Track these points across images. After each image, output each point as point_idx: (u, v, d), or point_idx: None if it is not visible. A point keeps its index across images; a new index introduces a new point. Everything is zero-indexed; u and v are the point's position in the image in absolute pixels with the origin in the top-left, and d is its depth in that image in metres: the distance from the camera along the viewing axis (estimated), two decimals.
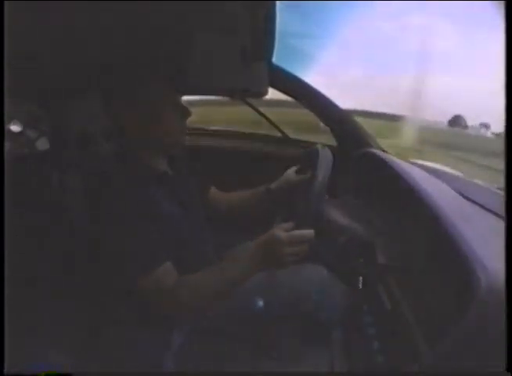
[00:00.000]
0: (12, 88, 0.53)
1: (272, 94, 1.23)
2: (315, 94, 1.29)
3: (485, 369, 0.44)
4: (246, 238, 0.80)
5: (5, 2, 0.48)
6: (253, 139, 1.67)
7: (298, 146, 1.55)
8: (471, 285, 0.44)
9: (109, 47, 0.75)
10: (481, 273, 0.44)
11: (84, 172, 0.99)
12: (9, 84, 0.52)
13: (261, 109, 1.61)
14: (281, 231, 0.66)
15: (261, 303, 0.85)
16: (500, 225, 0.52)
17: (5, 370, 0.50)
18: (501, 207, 0.54)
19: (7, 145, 2.00)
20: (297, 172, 0.97)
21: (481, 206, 0.72)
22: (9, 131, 2.03)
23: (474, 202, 0.75)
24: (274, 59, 1.09)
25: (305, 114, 1.40)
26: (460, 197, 0.78)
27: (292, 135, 1.64)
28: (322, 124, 1.39)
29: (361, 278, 0.70)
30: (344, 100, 1.38)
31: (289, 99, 1.33)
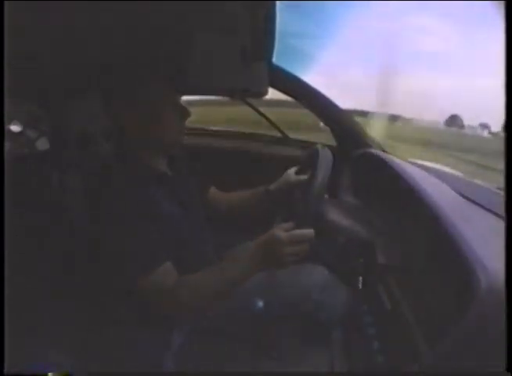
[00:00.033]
0: (12, 88, 0.53)
1: (272, 94, 1.23)
2: (315, 94, 1.29)
3: (485, 369, 0.44)
4: (246, 238, 0.80)
5: (5, 2, 0.48)
6: (253, 139, 1.67)
7: (298, 146, 1.55)
8: (471, 285, 0.44)
9: (109, 47, 0.75)
10: (481, 273, 0.44)
11: (84, 172, 0.99)
12: (9, 84, 0.52)
13: (261, 109, 1.61)
14: (281, 231, 0.66)
15: (261, 303, 0.85)
16: (500, 225, 0.52)
17: (5, 370, 0.50)
18: (501, 207, 0.54)
19: (7, 145, 2.00)
20: (296, 173, 0.97)
21: (481, 206, 0.72)
22: (9, 131, 2.03)
23: (474, 202, 0.75)
24: (274, 59, 1.09)
25: (305, 114, 1.40)
26: (460, 197, 0.78)
27: (292, 135, 1.64)
28: (322, 124, 1.39)
29: (361, 278, 0.70)
30: (344, 100, 1.38)
31: (289, 99, 1.33)
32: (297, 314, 0.92)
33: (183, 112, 0.79)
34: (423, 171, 0.99)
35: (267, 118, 1.62)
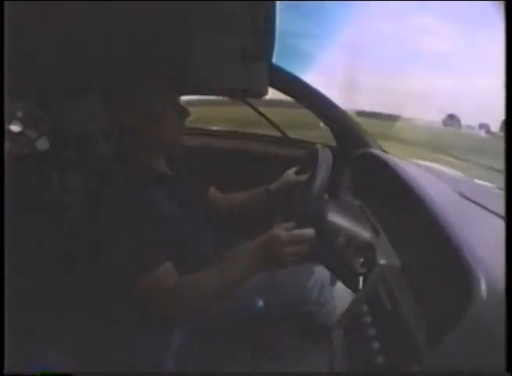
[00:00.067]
0: (12, 88, 0.53)
1: (272, 94, 1.23)
2: (315, 94, 1.29)
3: (485, 369, 0.44)
4: (246, 238, 0.80)
5: (5, 2, 0.48)
6: (253, 139, 1.67)
7: (298, 146, 1.55)
8: (471, 285, 0.44)
9: (109, 47, 0.75)
10: (481, 273, 0.44)
11: (84, 172, 0.99)
12: (9, 84, 0.52)
13: (261, 109, 1.61)
14: (281, 230, 0.66)
15: (261, 303, 0.85)
16: (500, 226, 0.52)
17: (5, 370, 0.50)
18: (501, 207, 0.54)
19: (7, 145, 2.01)
20: (296, 173, 0.97)
21: (481, 206, 0.72)
22: (9, 131, 2.03)
23: (474, 202, 0.75)
24: (274, 59, 1.09)
25: (305, 114, 1.40)
26: (460, 197, 0.78)
27: (292, 135, 1.64)
28: (322, 124, 1.39)
29: (361, 278, 0.70)
30: (344, 100, 1.38)
31: (289, 99, 1.33)
32: (297, 314, 0.92)
33: (183, 112, 0.80)
34: (423, 171, 0.99)
35: (267, 118, 1.62)
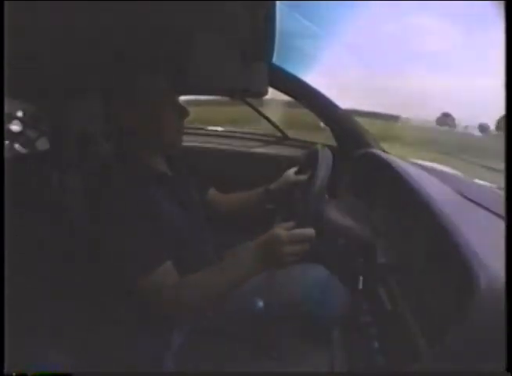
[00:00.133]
0: (12, 88, 0.53)
1: (272, 94, 1.23)
2: (315, 94, 1.29)
3: (485, 369, 0.44)
4: (246, 238, 0.80)
5: (5, 2, 0.48)
6: (253, 139, 1.67)
7: (298, 146, 1.55)
8: (471, 285, 0.44)
9: (109, 47, 0.75)
10: (481, 273, 0.44)
11: (84, 172, 0.99)
12: (9, 84, 0.52)
13: (261, 109, 1.61)
14: (281, 230, 0.66)
15: (261, 303, 0.85)
16: (500, 225, 0.52)
17: (5, 370, 0.50)
18: (501, 207, 0.54)
19: (7, 144, 2.01)
20: (296, 173, 0.97)
21: (481, 206, 0.72)
22: (9, 131, 2.04)
23: (474, 202, 0.75)
24: (274, 59, 1.09)
25: (305, 114, 1.40)
26: (460, 197, 0.78)
27: (292, 135, 1.64)
28: (322, 124, 1.39)
29: (361, 278, 0.70)
30: (344, 100, 1.38)
31: (289, 99, 1.33)
32: (297, 314, 0.92)
33: (182, 111, 0.80)
34: (423, 171, 0.99)
35: (267, 118, 1.62)
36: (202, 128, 1.80)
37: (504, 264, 0.45)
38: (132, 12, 0.64)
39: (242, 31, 0.88)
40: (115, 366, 0.72)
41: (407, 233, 0.76)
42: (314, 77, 1.35)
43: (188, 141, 1.49)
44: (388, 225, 0.81)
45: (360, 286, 0.69)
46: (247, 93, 1.21)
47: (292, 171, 0.98)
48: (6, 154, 1.53)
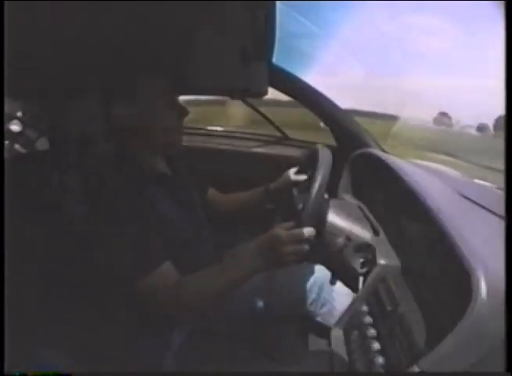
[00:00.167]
0: (12, 88, 0.53)
1: (272, 94, 1.23)
2: (315, 94, 1.29)
3: (485, 369, 0.44)
4: (246, 238, 0.80)
5: (5, 2, 0.48)
6: (253, 139, 1.67)
7: (298, 146, 1.55)
8: (471, 285, 0.44)
9: (109, 47, 0.75)
10: (481, 273, 0.44)
11: (84, 172, 0.99)
12: (9, 84, 0.52)
13: (261, 109, 1.61)
14: (281, 230, 0.66)
15: (261, 303, 0.85)
16: (500, 225, 0.52)
17: (5, 370, 0.50)
18: (501, 207, 0.54)
19: (7, 145, 2.01)
20: (296, 173, 0.97)
21: (481, 206, 0.72)
22: (9, 131, 2.03)
23: (473, 202, 0.75)
24: (274, 59, 1.09)
25: (305, 114, 1.40)
26: (460, 197, 0.78)
27: (292, 135, 1.64)
28: (322, 124, 1.39)
29: (361, 278, 0.70)
30: (344, 100, 1.38)
31: (289, 99, 1.33)
32: (296, 314, 0.92)
33: (182, 111, 0.80)
34: (423, 171, 0.99)
35: (267, 118, 1.62)
36: (202, 128, 1.80)
37: (504, 264, 0.45)
38: (132, 12, 0.64)
39: (242, 31, 0.88)
40: (115, 366, 0.72)
41: (407, 233, 0.76)
42: (313, 77, 1.35)
43: (188, 141, 1.49)
44: (388, 225, 0.81)
45: (360, 286, 0.69)
46: (247, 93, 1.22)
47: (292, 171, 0.98)
48: (6, 154, 1.53)
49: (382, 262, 0.68)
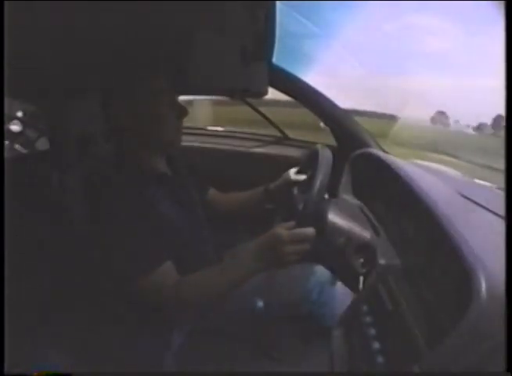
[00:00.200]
0: (12, 88, 0.53)
1: (272, 94, 1.22)
2: (315, 94, 1.29)
3: (485, 369, 0.44)
4: (246, 238, 0.80)
5: (5, 2, 0.48)
6: (253, 139, 1.67)
7: (298, 146, 1.55)
8: (471, 285, 0.44)
9: (109, 47, 0.75)
10: (481, 273, 0.44)
11: (84, 172, 0.99)
12: (9, 84, 0.52)
13: (261, 109, 1.61)
14: (282, 229, 0.66)
15: (261, 303, 0.85)
16: (500, 225, 0.52)
17: (5, 370, 0.50)
18: (501, 207, 0.54)
19: (7, 145, 2.01)
20: (296, 173, 0.97)
21: (481, 206, 0.72)
22: (9, 131, 2.04)
23: (473, 202, 0.75)
24: (274, 59, 1.09)
25: (305, 114, 1.40)
26: (460, 196, 0.78)
27: (292, 135, 1.64)
28: (322, 124, 1.39)
29: (361, 278, 0.70)
30: (344, 100, 1.39)
31: (289, 99, 1.33)
32: (297, 314, 0.92)
33: (181, 111, 0.80)
34: (423, 171, 0.99)
35: (267, 118, 1.62)
36: (202, 128, 1.80)
37: (504, 264, 0.45)
38: (132, 12, 0.64)
39: (242, 31, 0.88)
40: (115, 366, 0.72)
41: (407, 233, 0.76)
42: (313, 77, 1.35)
43: (188, 141, 1.49)
44: (388, 225, 0.81)
45: (360, 286, 0.69)
46: (247, 93, 1.21)
47: (292, 171, 0.98)
48: (6, 154, 1.53)
49: (382, 262, 0.68)
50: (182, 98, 0.94)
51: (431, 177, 0.94)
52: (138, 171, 0.77)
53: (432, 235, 0.62)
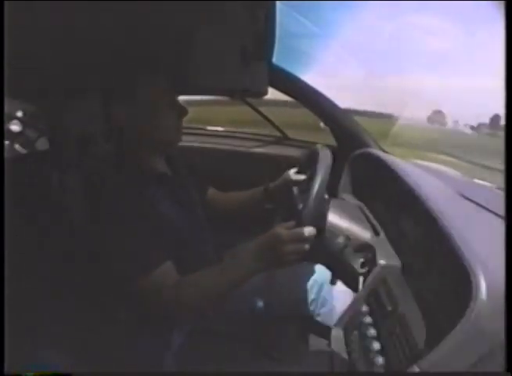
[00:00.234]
0: (12, 88, 0.53)
1: (272, 94, 1.23)
2: (315, 94, 1.29)
3: (485, 369, 0.44)
4: (246, 238, 0.80)
5: (5, 2, 0.48)
6: (253, 139, 1.67)
7: (298, 146, 1.55)
8: (471, 285, 0.44)
9: (109, 47, 0.75)
10: (481, 273, 0.44)
11: (84, 172, 0.99)
12: (9, 84, 0.52)
13: (261, 109, 1.61)
14: (282, 229, 0.66)
15: (260, 303, 0.85)
16: (500, 226, 0.52)
17: (5, 370, 0.50)
18: (501, 207, 0.54)
19: (7, 145, 2.01)
20: (296, 173, 0.97)
21: (481, 206, 0.72)
22: (9, 131, 2.04)
23: (474, 202, 0.75)
24: (274, 59, 1.09)
25: (305, 114, 1.40)
26: (460, 196, 0.78)
27: (292, 135, 1.64)
28: (322, 124, 1.39)
29: (361, 278, 0.70)
30: (344, 100, 1.39)
31: (289, 99, 1.33)
32: (296, 314, 0.92)
33: (181, 110, 0.80)
34: (422, 171, 0.99)
35: (267, 118, 1.62)
36: (202, 128, 1.80)
37: (504, 264, 0.45)
38: (132, 12, 0.64)
39: (242, 31, 0.88)
40: (115, 366, 0.72)
41: (407, 233, 0.76)
42: (313, 77, 1.35)
43: (188, 141, 1.49)
44: (388, 225, 0.81)
45: (360, 286, 0.69)
46: (247, 93, 1.22)
47: (292, 171, 0.98)
48: (6, 154, 1.53)
49: (382, 262, 0.68)
50: (181, 98, 0.94)
51: (431, 177, 0.94)
52: (138, 171, 0.77)
53: (432, 235, 0.62)
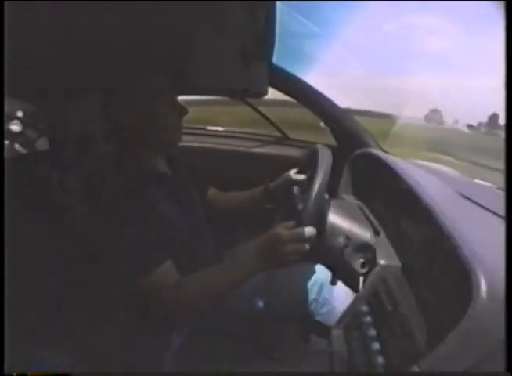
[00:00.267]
0: (12, 88, 0.53)
1: (272, 94, 1.23)
2: (315, 94, 1.29)
3: (485, 369, 0.44)
4: (246, 238, 0.80)
5: (5, 2, 0.48)
6: (253, 139, 1.67)
7: (298, 146, 1.55)
8: (471, 285, 0.44)
9: (109, 47, 0.75)
10: (481, 273, 0.44)
11: (84, 172, 0.99)
12: (9, 84, 0.52)
13: (261, 109, 1.61)
14: (282, 229, 0.66)
15: (260, 303, 0.85)
16: (500, 225, 0.52)
17: (5, 370, 0.50)
18: (501, 207, 0.54)
19: (7, 145, 2.01)
20: (297, 173, 0.97)
21: (481, 206, 0.72)
22: (9, 131, 2.04)
23: (474, 202, 0.75)
24: (274, 59, 1.09)
25: (305, 114, 1.40)
26: (460, 196, 0.78)
27: (292, 135, 1.64)
28: (322, 124, 1.39)
29: (361, 278, 0.70)
30: (344, 100, 1.39)
31: (289, 99, 1.33)
32: (296, 314, 0.92)
33: (181, 110, 0.80)
34: (422, 171, 0.99)
35: (267, 118, 1.62)
36: (202, 128, 1.80)
37: (504, 264, 0.45)
38: (132, 12, 0.64)
39: (242, 31, 0.88)
40: (115, 366, 0.72)
41: (407, 233, 0.76)
42: (313, 77, 1.35)
43: (188, 141, 1.49)
44: (388, 225, 0.81)
45: (360, 286, 0.69)
46: (247, 93, 1.21)
47: (292, 171, 0.98)
48: (6, 154, 1.53)
49: (382, 262, 0.68)
50: (181, 98, 0.94)
51: (431, 177, 0.94)
52: (138, 171, 0.77)
53: (432, 235, 0.62)
